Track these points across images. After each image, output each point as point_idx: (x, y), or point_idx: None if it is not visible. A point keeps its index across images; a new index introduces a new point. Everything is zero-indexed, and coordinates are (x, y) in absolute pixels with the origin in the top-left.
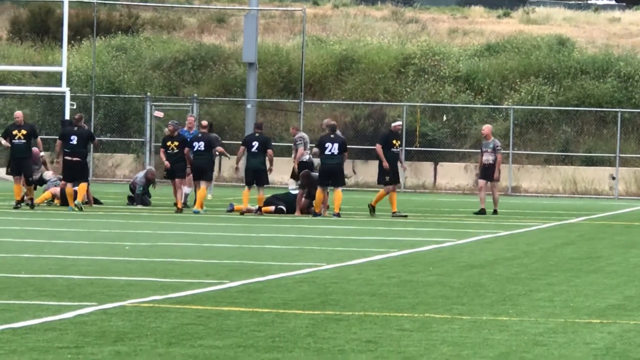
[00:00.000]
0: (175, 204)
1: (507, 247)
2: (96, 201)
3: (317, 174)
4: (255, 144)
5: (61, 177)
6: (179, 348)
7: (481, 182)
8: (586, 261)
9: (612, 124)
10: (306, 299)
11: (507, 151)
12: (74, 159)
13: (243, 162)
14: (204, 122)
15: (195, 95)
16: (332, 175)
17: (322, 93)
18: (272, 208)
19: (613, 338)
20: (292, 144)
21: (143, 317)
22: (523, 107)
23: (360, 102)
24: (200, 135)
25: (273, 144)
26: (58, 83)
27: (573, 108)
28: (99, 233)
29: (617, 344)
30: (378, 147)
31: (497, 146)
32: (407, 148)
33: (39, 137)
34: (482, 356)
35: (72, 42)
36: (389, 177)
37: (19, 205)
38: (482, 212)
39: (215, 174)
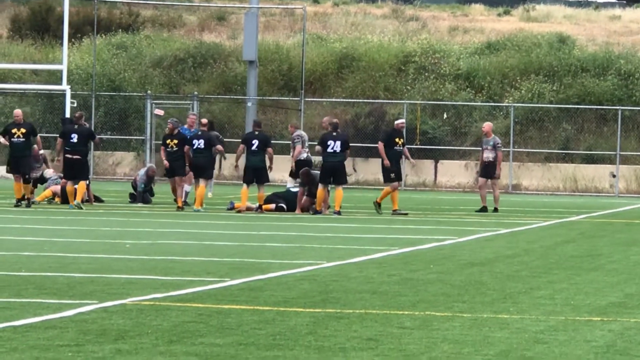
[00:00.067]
0: (176, 202)
1: (507, 244)
2: (98, 199)
3: (317, 172)
4: (255, 142)
5: (62, 175)
6: (179, 346)
7: (481, 180)
8: (587, 259)
9: (612, 121)
10: (307, 297)
11: (508, 149)
12: (75, 156)
13: (242, 160)
14: (204, 120)
15: (196, 93)
16: (334, 173)
17: (322, 91)
18: (273, 206)
19: (614, 336)
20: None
21: (144, 315)
22: (523, 105)
23: (360, 100)
24: (200, 133)
25: (273, 142)
26: (58, 81)
27: (573, 106)
28: (100, 231)
29: (617, 341)
30: (380, 145)
31: (498, 143)
32: (407, 146)
33: (39, 135)
34: (483, 354)
35: (73, 40)
36: (393, 174)
37: (19, 204)
38: (483, 209)
39: (215, 172)
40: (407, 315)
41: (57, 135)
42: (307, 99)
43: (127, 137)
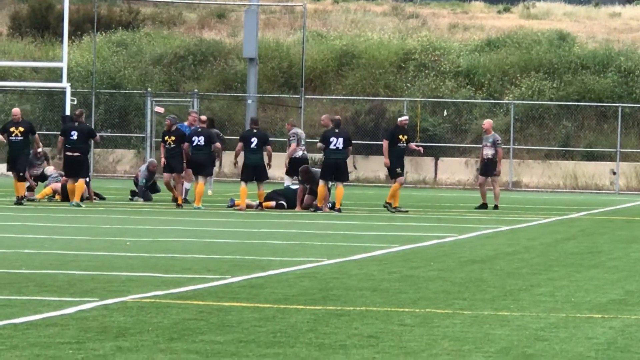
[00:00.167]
0: (176, 200)
1: (508, 242)
2: (99, 196)
3: (317, 169)
4: (254, 140)
5: (62, 172)
6: (180, 343)
7: (481, 177)
8: (587, 256)
9: (612, 118)
10: (307, 294)
11: (508, 146)
12: (75, 154)
13: (241, 158)
14: (203, 117)
15: (196, 90)
16: (336, 170)
17: (322, 88)
18: (273, 203)
19: (614, 333)
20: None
21: (144, 312)
22: (524, 102)
23: (360, 98)
24: (200, 130)
25: (273, 139)
26: (59, 79)
27: (574, 103)
28: (100, 229)
29: (618, 338)
30: (385, 144)
31: (497, 140)
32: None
33: (37, 133)
34: (484, 351)
35: (73, 37)
36: (399, 169)
37: (22, 202)
38: (483, 206)
39: (215, 169)
40: (407, 312)
41: (57, 132)
42: (307, 97)
43: (127, 134)
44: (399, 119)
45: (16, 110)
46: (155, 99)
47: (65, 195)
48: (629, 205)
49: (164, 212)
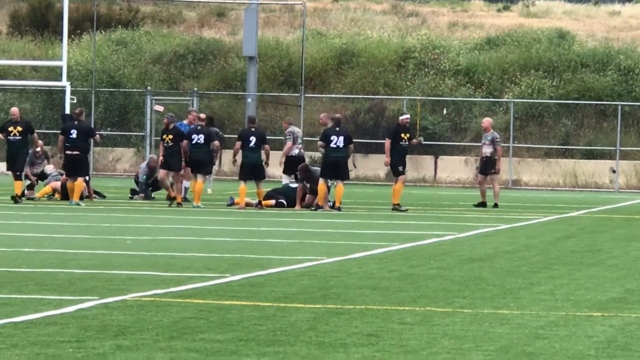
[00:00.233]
0: (170, 199)
1: (507, 240)
2: (99, 194)
3: (316, 168)
4: (253, 139)
5: (62, 171)
6: (180, 342)
7: (480, 176)
8: (587, 254)
9: (612, 117)
10: (307, 293)
11: (508, 144)
12: (74, 152)
13: (239, 157)
14: (202, 115)
15: (196, 89)
16: (337, 168)
17: (322, 87)
18: (273, 202)
19: (614, 331)
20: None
21: (144, 311)
22: (523, 100)
23: (360, 96)
24: (199, 128)
25: (273, 137)
26: (58, 77)
27: (573, 101)
28: (100, 227)
29: (618, 337)
30: (387, 142)
31: (496, 138)
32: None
33: (36, 132)
34: (483, 349)
35: (72, 36)
36: (401, 167)
37: (19, 200)
38: (482, 204)
39: (215, 167)
40: (407, 310)
41: (57, 131)
42: (306, 95)
43: (127, 133)
44: (401, 118)
45: (14, 109)
46: (154, 97)
47: (65, 193)
48: (629, 204)
49: (164, 211)
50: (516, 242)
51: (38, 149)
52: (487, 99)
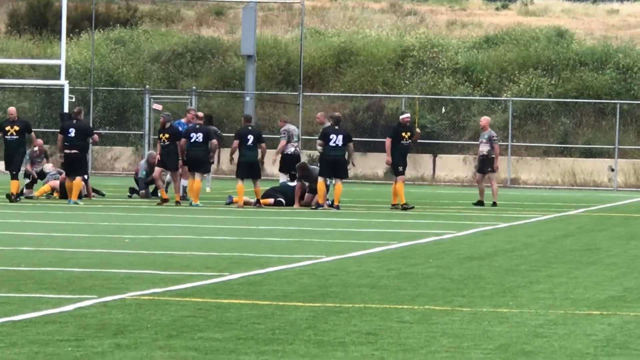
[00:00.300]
0: (162, 200)
1: (506, 239)
2: (98, 192)
3: (313, 166)
4: (251, 137)
5: (60, 170)
6: (179, 340)
7: (478, 175)
8: (585, 253)
9: (610, 115)
10: (306, 291)
11: (506, 143)
12: (72, 151)
13: (235, 155)
14: (200, 114)
15: (194, 87)
16: (336, 167)
17: (320, 85)
18: (271, 200)
19: (613, 329)
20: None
21: (143, 309)
22: (522, 99)
23: (359, 95)
24: (198, 126)
25: (272, 136)
26: (57, 76)
27: (572, 100)
28: (99, 226)
29: (617, 335)
30: (387, 141)
31: (493, 137)
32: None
33: (35, 131)
34: (482, 348)
35: (71, 35)
36: (401, 167)
37: (17, 199)
38: (479, 203)
39: (213, 166)
40: (406, 309)
41: (55, 130)
42: (305, 94)
43: (125, 132)
44: (401, 117)
45: (12, 109)
46: (153, 96)
47: (63, 192)
48: (627, 202)
49: (163, 210)
50: (515, 240)
51: (36, 149)
52: (486, 98)
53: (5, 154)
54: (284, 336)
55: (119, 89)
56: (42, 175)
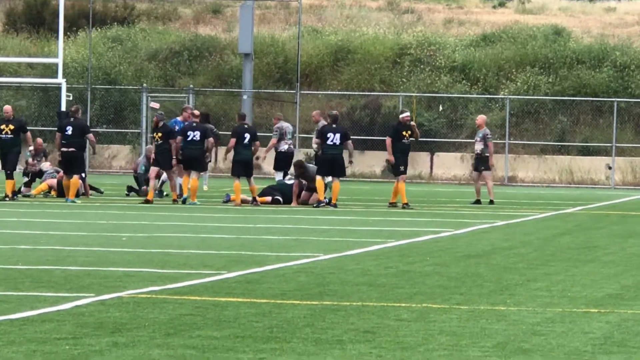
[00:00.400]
0: (148, 201)
1: (504, 237)
2: (96, 189)
3: (310, 165)
4: (247, 135)
5: (58, 169)
6: (177, 339)
7: (474, 173)
8: (583, 251)
9: (608, 113)
10: (304, 290)
11: (504, 141)
12: (70, 149)
13: (230, 153)
14: (196, 112)
15: (191, 86)
16: (333, 165)
17: (318, 83)
18: (269, 198)
19: (611, 327)
20: None
21: (141, 308)
22: (519, 97)
23: (356, 93)
24: (194, 124)
25: (269, 134)
26: (54, 74)
27: (569, 98)
28: (96, 224)
29: (615, 333)
30: (388, 141)
31: (487, 135)
32: None
33: (32, 130)
34: (480, 346)
35: (68, 33)
36: (402, 167)
37: (14, 197)
38: (477, 202)
39: (211, 164)
40: (404, 307)
41: (53, 128)
42: (302, 92)
43: (122, 130)
44: (401, 116)
45: (7, 107)
46: (150, 94)
47: (61, 191)
48: (625, 200)
49: (160, 208)
50: (512, 238)
51: (30, 148)
52: (483, 96)
53: (1, 153)
54: (282, 334)
55: (117, 87)
56: (40, 173)
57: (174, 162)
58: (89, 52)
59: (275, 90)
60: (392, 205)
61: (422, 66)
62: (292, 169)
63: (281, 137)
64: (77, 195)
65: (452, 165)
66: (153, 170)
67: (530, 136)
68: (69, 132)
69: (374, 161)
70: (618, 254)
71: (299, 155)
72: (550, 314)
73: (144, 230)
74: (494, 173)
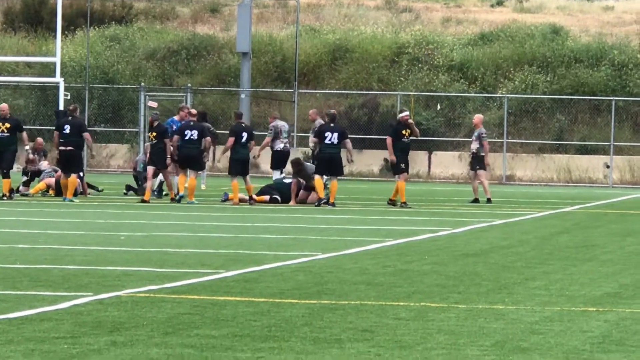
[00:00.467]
0: (144, 200)
1: (502, 235)
2: (94, 188)
3: (308, 163)
4: (245, 134)
5: (56, 168)
6: (175, 338)
7: (471, 172)
8: (581, 249)
9: (606, 112)
10: (302, 289)
11: (501, 140)
12: (67, 148)
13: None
14: (193, 111)
15: (189, 85)
16: (331, 164)
17: (316, 82)
18: (267, 197)
19: (609, 326)
20: None
21: (139, 307)
22: (517, 95)
23: (354, 92)
24: (192, 123)
25: (266, 133)
26: (52, 73)
27: (567, 97)
28: (94, 223)
29: (613, 332)
30: (388, 140)
31: (482, 134)
32: None
33: (31, 128)
34: (479, 345)
35: (66, 32)
36: (403, 165)
37: (12, 196)
38: (475, 201)
39: (209, 163)
40: (402, 306)
41: (51, 127)
42: (300, 91)
43: (120, 129)
44: (400, 115)
45: (4, 105)
46: (148, 93)
47: (59, 190)
48: (623, 199)
49: (158, 207)
50: (511, 237)
51: (27, 147)
52: (481, 95)
53: None
54: (280, 333)
55: (114, 86)
56: (39, 173)
57: (168, 161)
58: (86, 51)
59: (273, 89)
60: (392, 202)
61: (420, 65)
62: (289, 167)
63: (276, 135)
64: (75, 194)
65: (450, 164)
66: (150, 169)
67: (528, 135)
68: (67, 131)
69: (371, 160)
70: (616, 253)
71: (297, 154)
72: (548, 313)
73: (142, 229)
74: (491, 172)
